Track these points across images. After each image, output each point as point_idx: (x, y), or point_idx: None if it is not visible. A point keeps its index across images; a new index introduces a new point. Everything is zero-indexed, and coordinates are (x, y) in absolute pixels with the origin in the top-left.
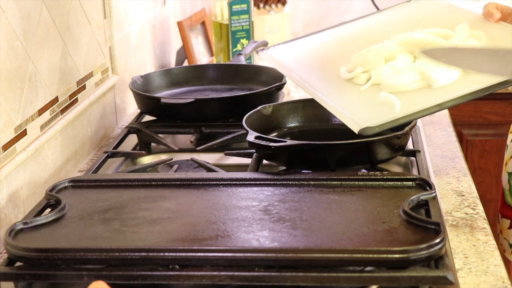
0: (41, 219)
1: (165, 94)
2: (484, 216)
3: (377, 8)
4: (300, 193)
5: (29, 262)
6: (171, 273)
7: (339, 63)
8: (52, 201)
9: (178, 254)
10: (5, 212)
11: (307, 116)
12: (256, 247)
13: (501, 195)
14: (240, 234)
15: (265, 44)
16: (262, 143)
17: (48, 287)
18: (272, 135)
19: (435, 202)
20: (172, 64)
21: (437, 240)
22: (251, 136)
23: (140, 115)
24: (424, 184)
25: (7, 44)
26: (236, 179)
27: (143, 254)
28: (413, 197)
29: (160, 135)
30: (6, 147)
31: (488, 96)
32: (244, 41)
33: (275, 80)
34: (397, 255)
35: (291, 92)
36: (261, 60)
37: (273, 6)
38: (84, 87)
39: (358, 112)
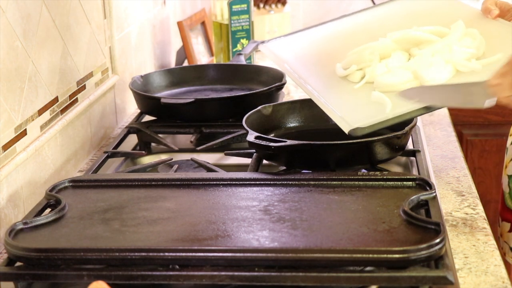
0: (41, 219)
1: (165, 94)
2: (484, 216)
3: None
4: (300, 193)
5: (29, 262)
6: (171, 273)
7: (336, 59)
8: (52, 201)
9: (178, 254)
10: (5, 212)
11: (307, 116)
12: (256, 247)
13: (501, 198)
14: (240, 234)
15: None
16: (262, 143)
17: (48, 287)
18: (272, 135)
19: (435, 202)
20: (172, 64)
21: (437, 240)
22: (251, 136)
23: (140, 115)
24: (424, 184)
25: (7, 44)
26: (236, 179)
27: (143, 254)
28: (413, 197)
29: (160, 135)
30: (6, 147)
31: None
32: (244, 41)
33: (275, 80)
34: (397, 255)
35: (291, 92)
36: (261, 60)
37: (273, 6)
38: (84, 87)
39: (350, 111)
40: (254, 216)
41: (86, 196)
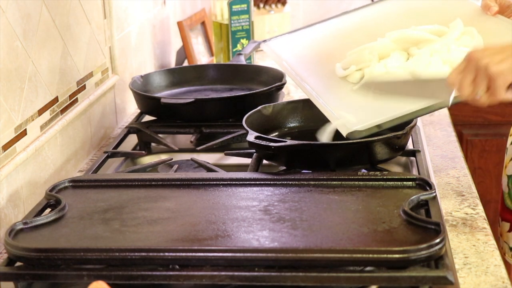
0: (41, 219)
1: (165, 94)
2: (484, 216)
3: None
4: (300, 193)
5: (29, 262)
6: (171, 273)
7: (336, 58)
8: (52, 201)
9: (178, 254)
10: (5, 212)
11: (307, 116)
12: (256, 247)
13: (501, 198)
14: (240, 234)
15: None
16: (262, 143)
17: (48, 287)
18: (272, 135)
19: (435, 202)
20: (172, 64)
21: (437, 240)
22: (251, 136)
23: (140, 115)
24: (424, 184)
25: (7, 44)
26: (236, 179)
27: (143, 254)
28: (413, 197)
29: (160, 135)
30: (6, 147)
31: None
32: (244, 41)
33: (275, 80)
34: (397, 255)
35: (291, 92)
36: (261, 60)
37: (273, 6)
38: (84, 87)
39: (348, 113)
40: (254, 216)
41: (86, 196)
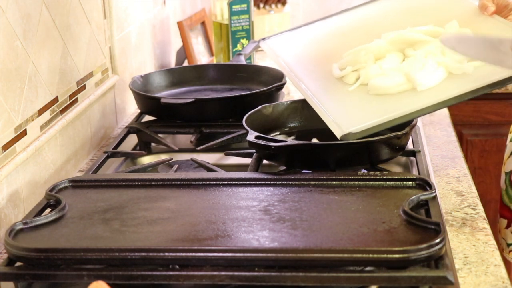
0: (41, 219)
1: (165, 94)
2: (484, 216)
3: None
4: (300, 193)
5: (29, 262)
6: (171, 273)
7: (333, 58)
8: (52, 201)
9: (178, 254)
10: (5, 212)
11: (307, 116)
12: (256, 247)
13: (499, 195)
14: (240, 234)
15: None
16: (262, 143)
17: (48, 287)
18: (272, 135)
19: (435, 202)
20: (172, 64)
21: (437, 240)
22: (251, 136)
23: (140, 115)
24: (424, 184)
25: (7, 44)
26: (236, 179)
27: (143, 254)
28: (413, 197)
29: (160, 135)
30: (6, 147)
31: (488, 96)
32: (244, 41)
33: (275, 80)
34: (397, 255)
35: (291, 92)
36: (261, 60)
37: (273, 6)
38: (84, 87)
39: (343, 114)
40: (254, 216)
41: (86, 196)
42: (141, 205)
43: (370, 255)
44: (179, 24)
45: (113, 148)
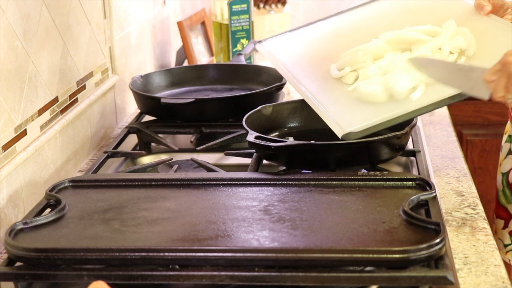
0: (41, 219)
1: (165, 94)
2: (484, 216)
3: None
4: (300, 193)
5: (29, 262)
6: (171, 273)
7: (331, 59)
8: (52, 201)
9: (178, 254)
10: (5, 212)
11: (307, 116)
12: (256, 247)
13: (496, 195)
14: (240, 234)
15: None
16: (262, 143)
17: (48, 287)
18: (272, 135)
19: (435, 202)
20: (172, 64)
21: (437, 240)
22: (251, 136)
23: (140, 115)
24: (424, 184)
25: (7, 44)
26: (236, 179)
27: (143, 254)
28: (413, 197)
29: (160, 135)
30: (6, 147)
31: None
32: (244, 41)
33: (275, 80)
34: (397, 255)
35: (291, 92)
36: (261, 60)
37: (273, 6)
38: (84, 87)
39: (344, 114)
40: (254, 216)
41: (86, 196)
42: (141, 205)
43: (370, 255)
44: (179, 24)
45: (113, 148)
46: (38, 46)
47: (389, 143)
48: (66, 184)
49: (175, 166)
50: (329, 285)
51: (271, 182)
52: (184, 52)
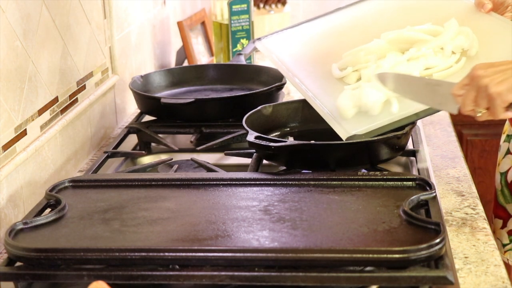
0: (41, 219)
1: (165, 94)
2: (484, 216)
3: None
4: (300, 193)
5: (29, 262)
6: (171, 273)
7: (332, 58)
8: (52, 201)
9: (178, 254)
10: (5, 212)
11: (307, 116)
12: (256, 247)
13: (494, 195)
14: (240, 234)
15: None
16: (262, 143)
17: (48, 287)
18: (272, 135)
19: (435, 202)
20: (172, 64)
21: (437, 240)
22: (251, 136)
23: (140, 115)
24: (424, 184)
25: (7, 44)
26: (236, 179)
27: (143, 254)
28: (413, 197)
29: (160, 135)
30: (6, 147)
31: None
32: (244, 41)
33: (275, 80)
34: (397, 255)
35: (291, 92)
36: (261, 60)
37: (273, 6)
38: (84, 87)
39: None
40: (254, 216)
41: (86, 196)
42: (141, 205)
43: (370, 255)
44: (179, 24)
45: (113, 148)
46: (38, 46)
47: (389, 143)
48: (66, 184)
49: (175, 166)
50: (329, 285)
51: (271, 182)
52: (184, 52)
